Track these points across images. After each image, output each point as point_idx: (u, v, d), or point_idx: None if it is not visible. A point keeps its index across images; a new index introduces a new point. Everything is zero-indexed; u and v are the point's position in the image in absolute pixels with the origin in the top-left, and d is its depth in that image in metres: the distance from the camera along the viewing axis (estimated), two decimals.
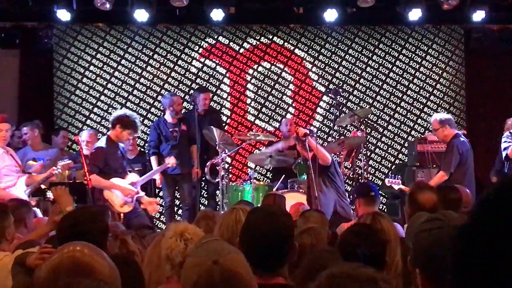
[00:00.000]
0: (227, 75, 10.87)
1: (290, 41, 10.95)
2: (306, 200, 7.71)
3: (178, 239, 3.21)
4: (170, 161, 8.51)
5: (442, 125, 7.96)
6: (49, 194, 7.57)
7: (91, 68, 10.68)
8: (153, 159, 9.03)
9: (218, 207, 9.12)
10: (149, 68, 10.77)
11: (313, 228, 4.01)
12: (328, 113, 10.86)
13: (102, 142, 7.79)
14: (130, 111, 8.46)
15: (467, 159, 7.83)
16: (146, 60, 10.76)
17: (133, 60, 10.74)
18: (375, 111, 10.90)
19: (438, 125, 7.99)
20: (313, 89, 10.94)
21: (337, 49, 10.97)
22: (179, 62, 10.80)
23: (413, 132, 10.96)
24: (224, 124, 10.69)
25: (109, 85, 10.69)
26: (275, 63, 10.94)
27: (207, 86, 10.74)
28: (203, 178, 9.44)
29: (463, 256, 1.24)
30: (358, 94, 10.95)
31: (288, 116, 10.81)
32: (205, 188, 10.19)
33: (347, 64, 10.97)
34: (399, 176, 8.14)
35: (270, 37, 10.93)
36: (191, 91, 10.34)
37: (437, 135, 8.20)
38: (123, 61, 10.73)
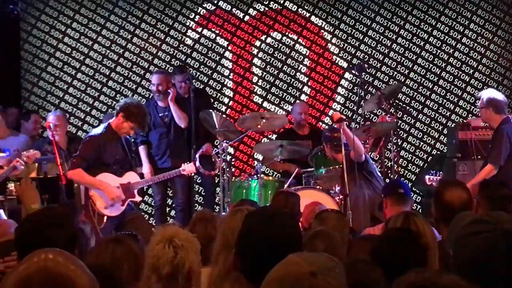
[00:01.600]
0: (229, 48, 10.84)
1: (305, 7, 10.90)
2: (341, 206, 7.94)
3: (166, 245, 3.21)
4: (187, 168, 8.31)
5: (487, 106, 7.89)
6: (11, 186, 7.53)
7: (66, 40, 10.66)
8: (142, 150, 9.01)
9: (218, 207, 9.11)
10: (135, 39, 10.74)
11: (324, 231, 4.01)
12: (350, 94, 10.83)
13: (98, 129, 7.76)
14: (137, 100, 8.45)
15: None
16: (132, 30, 10.74)
17: (116, 30, 10.71)
18: (407, 90, 10.85)
19: (484, 103, 7.92)
20: (333, 65, 10.90)
21: (362, 16, 10.91)
22: (171, 32, 10.77)
23: (453, 117, 10.91)
24: (225, 108, 10.69)
25: (87, 61, 10.67)
26: (287, 33, 10.89)
27: (205, 61, 10.71)
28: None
29: None
30: (387, 70, 10.90)
31: (303, 97, 10.78)
32: (202, 184, 10.16)
33: (374, 35, 10.92)
34: (441, 172, 8.11)
35: (281, 1, 10.88)
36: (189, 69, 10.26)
37: (480, 114, 8.18)
38: (104, 31, 10.70)
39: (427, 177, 8.00)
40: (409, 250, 3.33)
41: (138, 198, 7.88)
